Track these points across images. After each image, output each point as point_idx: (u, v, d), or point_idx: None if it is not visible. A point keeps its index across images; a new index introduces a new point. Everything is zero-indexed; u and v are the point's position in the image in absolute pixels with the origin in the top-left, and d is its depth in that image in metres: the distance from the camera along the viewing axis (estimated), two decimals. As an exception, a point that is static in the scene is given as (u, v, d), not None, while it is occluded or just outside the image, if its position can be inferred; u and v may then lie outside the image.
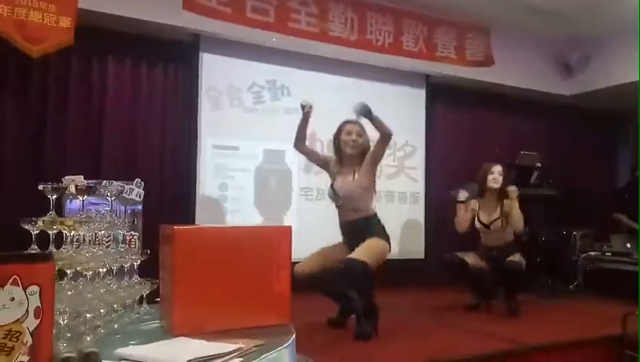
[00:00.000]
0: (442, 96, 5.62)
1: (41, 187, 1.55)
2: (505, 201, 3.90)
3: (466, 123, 5.74)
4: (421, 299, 4.41)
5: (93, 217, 1.67)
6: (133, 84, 4.27)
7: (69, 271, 1.44)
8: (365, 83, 5.03)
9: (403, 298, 4.18)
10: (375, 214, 3.25)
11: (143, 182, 3.16)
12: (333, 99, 4.51)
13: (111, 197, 1.65)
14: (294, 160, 4.75)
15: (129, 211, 3.33)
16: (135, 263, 1.72)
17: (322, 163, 3.45)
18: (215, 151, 4.44)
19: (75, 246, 1.60)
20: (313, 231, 4.02)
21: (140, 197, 3.19)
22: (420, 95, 5.46)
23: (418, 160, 5.43)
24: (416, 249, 5.34)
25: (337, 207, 3.28)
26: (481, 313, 3.86)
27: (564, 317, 3.81)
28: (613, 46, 5.59)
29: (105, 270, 1.51)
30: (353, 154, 3.24)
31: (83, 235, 1.56)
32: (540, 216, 4.96)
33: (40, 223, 1.51)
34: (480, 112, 5.82)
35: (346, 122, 3.30)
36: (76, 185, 1.57)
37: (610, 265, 4.88)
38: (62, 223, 1.49)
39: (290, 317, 1.56)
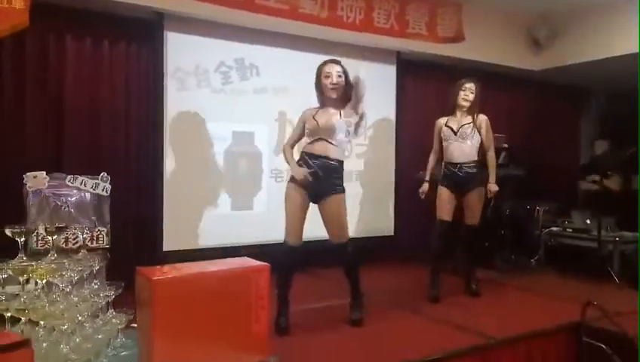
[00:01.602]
0: (413, 72, 5.59)
1: (8, 232, 1.48)
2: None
3: (437, 99, 5.71)
4: (391, 280, 4.50)
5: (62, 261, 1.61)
6: (93, 65, 4.06)
7: (42, 323, 1.40)
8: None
9: (373, 279, 4.21)
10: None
11: (109, 177, 3.06)
12: (303, 77, 4.37)
13: (83, 234, 1.59)
14: (264, 141, 4.68)
15: (95, 201, 3.23)
16: (110, 299, 1.69)
17: (302, 129, 3.26)
18: (183, 134, 4.32)
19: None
20: (283, 213, 4.01)
21: (106, 191, 3.11)
22: (390, 71, 5.41)
23: (389, 136, 5.43)
24: (386, 226, 5.42)
25: (312, 141, 3.14)
26: (447, 295, 3.92)
27: (526, 301, 3.91)
28: (581, 22, 5.61)
29: (81, 318, 1.48)
30: (335, 97, 3.17)
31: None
32: (507, 194, 5.07)
33: (9, 270, 1.45)
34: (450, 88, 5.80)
35: (324, 63, 3.21)
36: (46, 227, 1.50)
37: (570, 241, 5.07)
38: (33, 271, 1.44)
39: (266, 355, 1.58)
